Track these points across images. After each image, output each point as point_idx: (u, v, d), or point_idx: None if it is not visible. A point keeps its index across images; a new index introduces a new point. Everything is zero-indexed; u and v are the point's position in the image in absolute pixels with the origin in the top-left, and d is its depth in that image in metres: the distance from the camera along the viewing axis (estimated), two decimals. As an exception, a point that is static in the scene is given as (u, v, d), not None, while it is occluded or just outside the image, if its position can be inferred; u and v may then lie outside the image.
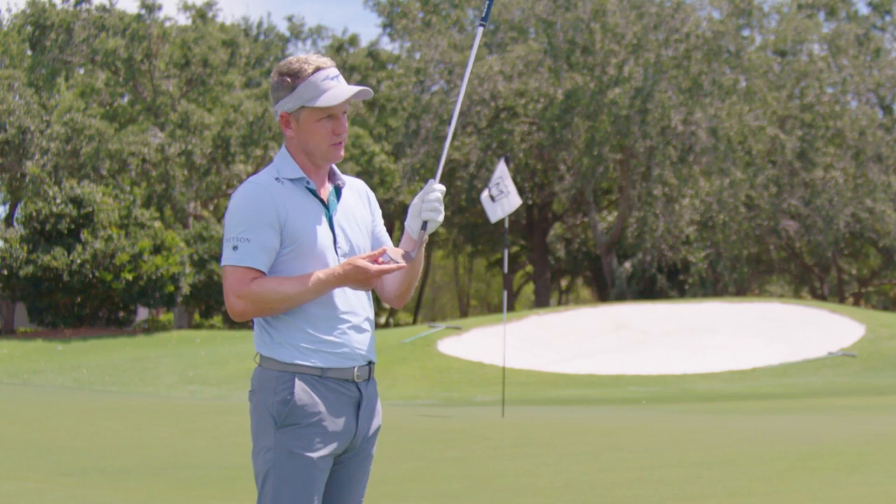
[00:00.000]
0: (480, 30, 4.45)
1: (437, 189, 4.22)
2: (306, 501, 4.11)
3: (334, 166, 4.31)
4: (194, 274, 43.51)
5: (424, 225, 4.21)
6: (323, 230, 4.18)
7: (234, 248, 4.11)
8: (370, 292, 4.31)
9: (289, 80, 4.17)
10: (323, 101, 4.16)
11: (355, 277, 4.11)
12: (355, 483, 4.29)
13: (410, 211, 4.25)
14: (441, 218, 4.22)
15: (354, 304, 4.21)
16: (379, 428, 4.35)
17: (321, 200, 4.22)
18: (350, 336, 4.19)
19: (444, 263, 76.07)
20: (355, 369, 4.20)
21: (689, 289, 54.24)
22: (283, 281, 4.10)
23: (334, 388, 4.16)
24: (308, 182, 4.21)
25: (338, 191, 4.29)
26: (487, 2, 4.46)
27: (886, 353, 30.75)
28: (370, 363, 4.26)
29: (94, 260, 39.32)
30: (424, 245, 4.27)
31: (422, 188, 4.25)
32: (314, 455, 4.11)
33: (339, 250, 4.20)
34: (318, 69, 4.18)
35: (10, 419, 15.68)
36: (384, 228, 4.43)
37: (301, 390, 4.12)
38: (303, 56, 4.23)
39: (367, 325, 4.25)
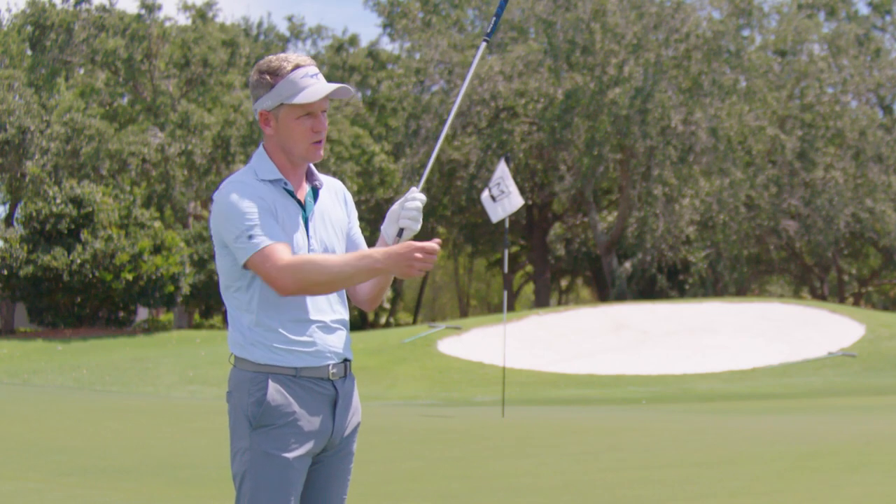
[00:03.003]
0: (483, 45, 4.42)
1: (417, 198, 4.20)
2: (283, 502, 4.10)
3: (312, 166, 4.29)
4: (194, 274, 43.52)
5: (400, 232, 4.20)
6: (298, 232, 4.17)
7: (250, 237, 4.06)
8: (344, 295, 4.29)
9: (268, 77, 4.16)
10: (301, 98, 4.13)
11: (398, 257, 4.02)
12: (337, 481, 4.28)
13: (388, 216, 4.24)
14: (418, 227, 4.20)
15: (324, 306, 4.19)
16: (358, 425, 4.32)
17: (298, 202, 4.21)
18: (322, 336, 4.17)
19: (444, 263, 76.04)
20: (330, 367, 4.18)
21: (689, 289, 54.24)
22: (327, 257, 4.07)
23: (309, 388, 4.15)
24: (286, 183, 4.19)
25: (315, 192, 4.28)
26: (494, 18, 4.44)
27: (886, 353, 30.75)
28: (346, 360, 4.24)
29: (94, 260, 39.33)
30: None
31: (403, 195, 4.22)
32: (290, 455, 4.11)
33: (311, 252, 4.18)
34: (297, 66, 4.16)
35: (10, 419, 15.68)
36: (359, 230, 4.41)
37: (274, 391, 4.10)
38: (282, 54, 4.22)
39: (338, 325, 4.23)
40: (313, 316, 4.17)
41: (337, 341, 4.22)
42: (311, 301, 4.17)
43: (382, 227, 4.27)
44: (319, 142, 4.21)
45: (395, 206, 4.23)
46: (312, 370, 4.16)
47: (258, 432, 4.11)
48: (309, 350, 4.15)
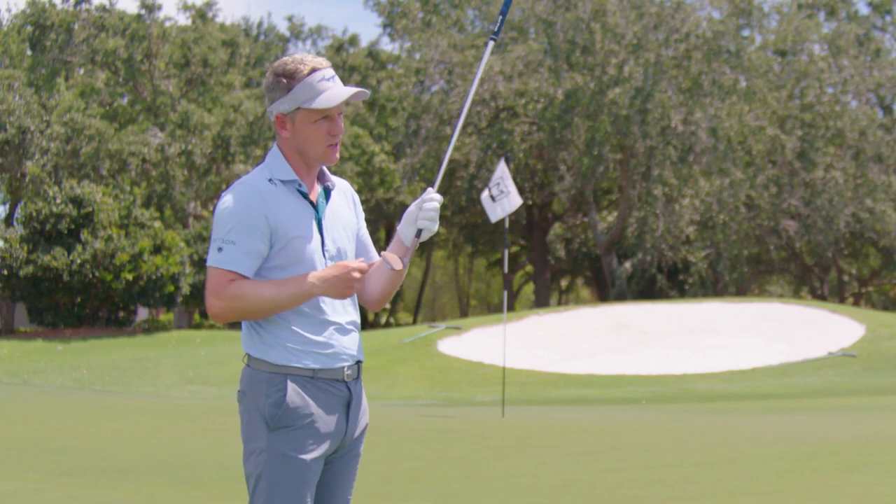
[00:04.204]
0: (491, 44, 4.40)
1: (435, 199, 4.20)
2: (299, 503, 4.10)
3: (324, 167, 4.29)
4: (194, 274, 43.50)
5: (419, 233, 4.19)
6: (312, 234, 4.16)
7: (219, 249, 4.08)
8: (355, 297, 4.28)
9: (284, 80, 4.13)
10: (319, 103, 4.11)
11: (334, 280, 4.06)
12: (344, 482, 4.28)
13: (405, 217, 4.23)
14: (436, 227, 4.20)
15: (339, 308, 4.20)
16: (366, 426, 4.33)
17: (311, 203, 4.20)
18: (337, 337, 4.18)
19: (444, 263, 76.04)
20: (345, 368, 4.18)
21: (689, 289, 54.23)
22: (261, 284, 4.07)
23: (325, 389, 4.15)
24: (300, 185, 4.18)
25: (327, 192, 4.27)
26: (500, 17, 4.42)
27: (886, 353, 30.75)
28: (358, 362, 4.25)
29: (94, 260, 39.32)
30: (412, 252, 4.26)
31: (419, 195, 4.22)
32: (307, 457, 4.10)
33: (326, 253, 4.18)
34: (314, 70, 4.12)
35: (10, 419, 15.68)
36: (367, 231, 4.41)
37: (293, 392, 4.10)
38: (298, 56, 4.18)
39: (352, 327, 4.24)
40: (329, 317, 4.17)
41: (351, 343, 4.22)
42: (327, 302, 4.17)
43: (399, 228, 4.26)
44: (335, 144, 4.20)
45: (413, 207, 4.22)
46: (329, 371, 4.16)
47: (276, 433, 4.09)
48: (325, 352, 4.15)
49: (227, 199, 4.13)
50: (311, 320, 4.14)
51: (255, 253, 4.09)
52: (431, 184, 4.28)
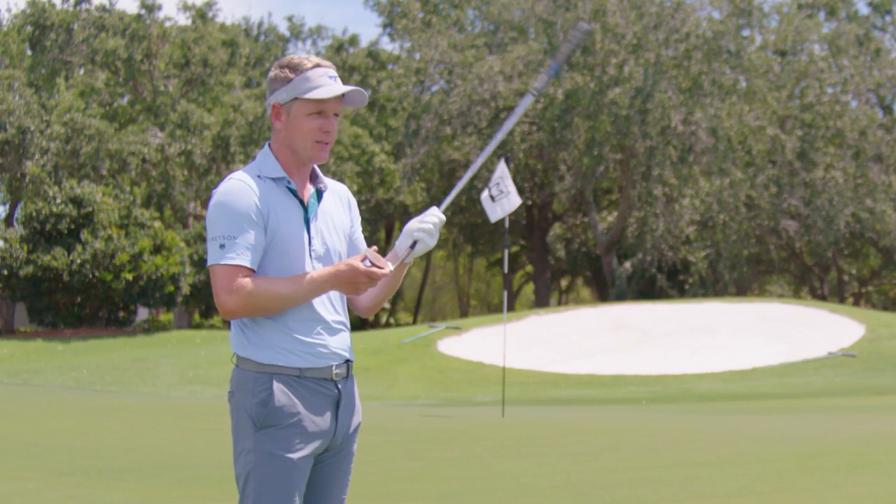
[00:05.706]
0: (531, 98, 4.43)
1: (436, 215, 4.21)
2: (287, 503, 4.10)
3: (317, 168, 4.30)
4: (194, 274, 43.49)
5: (414, 244, 4.19)
6: (299, 231, 4.17)
7: (221, 246, 4.08)
8: (344, 298, 4.29)
9: (287, 71, 4.19)
10: (316, 94, 4.15)
11: (347, 277, 4.08)
12: (337, 481, 4.29)
13: (404, 231, 4.23)
14: (432, 242, 4.19)
15: (328, 306, 4.21)
16: (359, 425, 4.33)
17: (300, 201, 4.21)
18: (326, 336, 4.18)
19: (444, 263, 76.03)
20: (333, 367, 4.19)
21: (689, 289, 54.23)
22: (274, 280, 4.08)
23: (313, 388, 4.15)
24: (289, 182, 4.19)
25: (319, 194, 4.28)
26: (546, 78, 4.43)
27: (886, 353, 30.75)
28: (348, 361, 4.25)
29: (94, 260, 39.31)
30: (407, 267, 4.25)
31: (421, 209, 4.23)
32: (294, 456, 4.11)
33: (313, 253, 4.18)
34: (317, 66, 4.20)
35: (10, 419, 15.68)
36: (362, 235, 4.42)
37: (279, 391, 4.10)
38: (305, 55, 4.25)
39: (341, 326, 4.24)
40: (318, 316, 4.17)
41: (340, 342, 4.23)
42: (315, 301, 4.17)
43: (397, 242, 4.26)
44: (326, 143, 4.21)
45: (413, 222, 4.23)
46: (316, 371, 4.16)
47: (262, 433, 4.10)
48: (313, 351, 4.16)
49: (219, 196, 4.14)
50: (300, 319, 4.14)
51: (256, 246, 4.10)
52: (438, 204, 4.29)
